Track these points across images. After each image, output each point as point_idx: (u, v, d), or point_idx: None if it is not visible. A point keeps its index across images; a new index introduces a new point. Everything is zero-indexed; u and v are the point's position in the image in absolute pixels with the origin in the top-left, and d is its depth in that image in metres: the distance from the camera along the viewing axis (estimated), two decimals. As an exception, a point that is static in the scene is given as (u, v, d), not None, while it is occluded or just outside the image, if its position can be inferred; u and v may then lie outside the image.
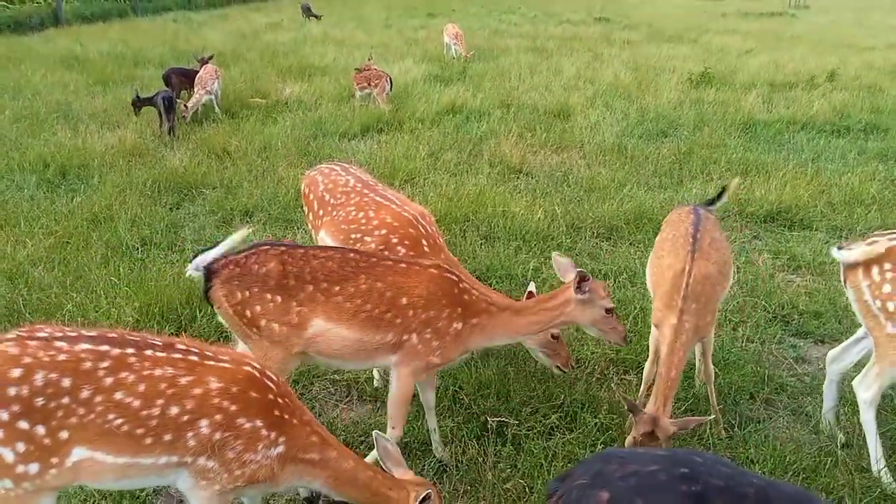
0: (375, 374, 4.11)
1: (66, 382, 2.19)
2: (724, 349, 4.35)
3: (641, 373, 3.95)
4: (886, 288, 3.24)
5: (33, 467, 2.18)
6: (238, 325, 3.09)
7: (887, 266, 3.26)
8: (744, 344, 4.51)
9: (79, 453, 2.23)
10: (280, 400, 2.50)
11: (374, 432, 2.86)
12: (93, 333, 2.34)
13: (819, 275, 5.44)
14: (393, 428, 3.26)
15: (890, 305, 3.24)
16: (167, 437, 2.29)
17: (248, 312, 3.04)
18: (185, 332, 4.43)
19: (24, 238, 5.59)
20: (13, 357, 2.18)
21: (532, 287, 3.78)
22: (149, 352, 2.34)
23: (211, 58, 10.72)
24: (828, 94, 11.31)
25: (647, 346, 3.92)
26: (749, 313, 4.86)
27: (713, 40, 18.87)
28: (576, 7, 30.58)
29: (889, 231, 3.42)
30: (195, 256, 3.15)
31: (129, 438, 2.25)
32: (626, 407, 3.19)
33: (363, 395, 4.06)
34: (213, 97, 9.80)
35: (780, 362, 4.41)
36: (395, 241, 3.67)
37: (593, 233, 6.12)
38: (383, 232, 3.71)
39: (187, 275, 3.18)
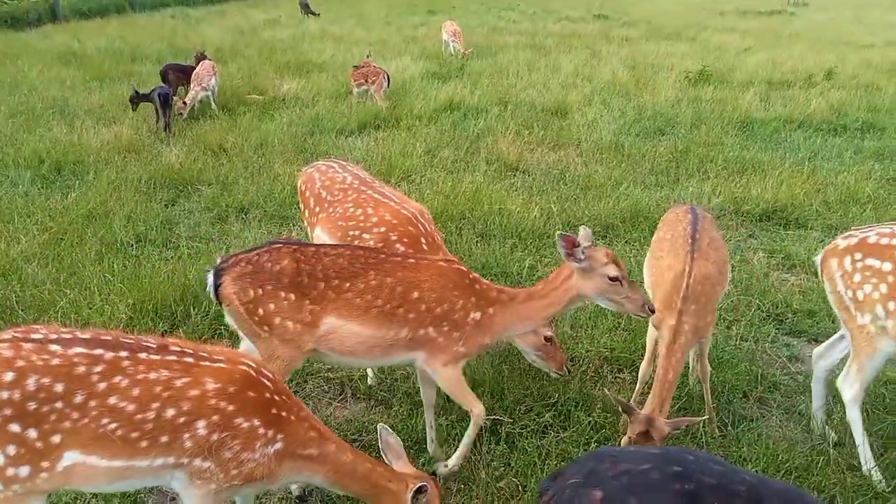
0: (370, 371, 4.11)
1: (59, 387, 2.18)
2: (718, 348, 4.35)
3: (636, 371, 3.95)
4: (857, 277, 3.29)
5: (24, 470, 2.18)
6: (248, 323, 3.05)
7: (858, 256, 3.30)
8: (737, 342, 4.51)
9: (71, 457, 2.22)
10: (277, 397, 2.50)
11: (379, 425, 2.88)
12: (87, 336, 2.33)
13: (813, 274, 5.42)
14: (471, 410, 3.25)
15: (860, 294, 3.28)
16: (163, 440, 2.29)
17: (260, 310, 3.01)
18: (179, 328, 4.43)
19: (18, 234, 5.57)
20: (7, 360, 2.17)
21: None
22: (143, 354, 2.33)
23: (204, 54, 10.69)
24: (825, 92, 11.30)
25: (642, 345, 3.93)
26: (743, 312, 4.86)
27: (711, 38, 18.86)
28: (575, 4, 30.52)
29: (868, 226, 3.45)
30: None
31: (123, 442, 2.24)
32: (619, 408, 3.18)
33: (357, 392, 4.06)
34: (209, 93, 9.78)
35: (773, 361, 4.41)
36: (394, 238, 3.66)
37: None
38: (382, 229, 3.69)
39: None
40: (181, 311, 4.58)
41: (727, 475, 2.01)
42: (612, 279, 3.09)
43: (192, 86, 9.58)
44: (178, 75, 10.13)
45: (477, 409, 3.23)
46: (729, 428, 3.74)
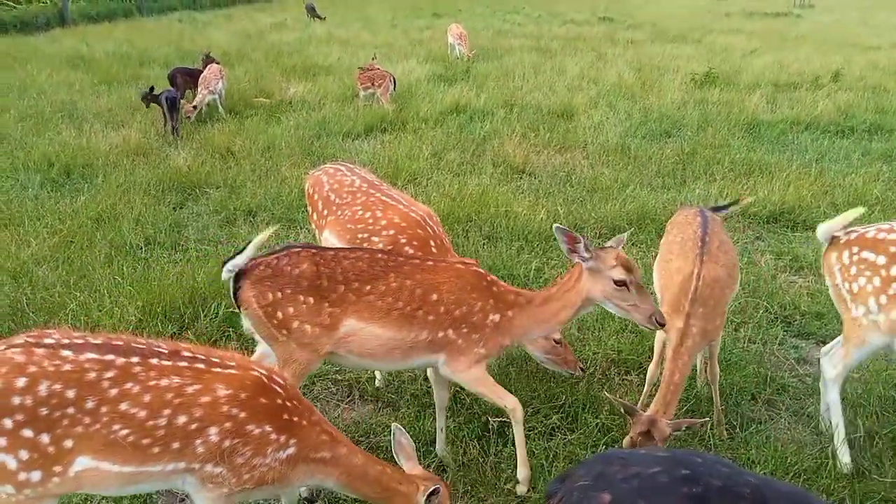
0: (377, 374, 4.12)
1: (71, 393, 2.20)
2: (727, 350, 4.35)
3: (643, 373, 3.95)
4: (853, 270, 3.34)
5: (36, 475, 2.19)
6: (266, 326, 3.04)
7: (855, 249, 3.34)
8: (746, 345, 4.51)
9: (83, 462, 2.23)
10: (288, 403, 2.51)
11: (393, 425, 2.89)
12: (99, 341, 2.35)
13: (821, 276, 5.42)
14: (505, 406, 3.22)
15: (855, 287, 3.33)
16: (175, 446, 2.30)
17: (279, 314, 3.00)
18: (188, 331, 4.46)
19: (29, 237, 5.61)
20: (19, 365, 2.19)
21: None
22: (154, 360, 2.34)
23: (211, 56, 10.75)
24: (832, 94, 11.28)
25: (650, 347, 3.93)
26: (751, 314, 4.86)
27: (717, 40, 18.84)
28: (580, 7, 30.54)
29: (872, 225, 3.47)
30: (227, 261, 3.08)
31: (135, 448, 2.26)
32: (622, 409, 3.17)
33: (364, 394, 4.07)
34: (216, 97, 9.82)
35: (781, 363, 4.40)
36: (403, 241, 3.66)
37: (596, 233, 6.12)
38: (391, 232, 3.69)
39: (223, 279, 3.11)
40: (190, 313, 4.60)
41: (732, 477, 2.02)
42: (618, 283, 3.01)
43: (199, 89, 9.63)
44: (186, 79, 10.19)
45: (510, 403, 3.21)
46: (737, 430, 3.73)
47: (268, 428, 2.42)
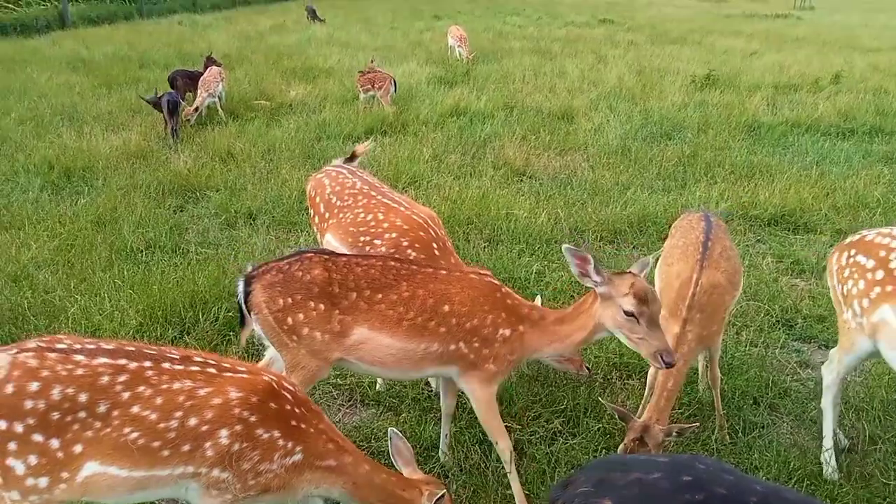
0: (379, 378, 4.10)
1: (83, 397, 2.20)
2: (728, 353, 4.34)
3: (645, 377, 3.94)
4: (846, 273, 3.32)
5: (43, 481, 2.18)
6: (276, 332, 3.01)
7: (853, 252, 3.32)
8: (747, 348, 4.50)
9: (91, 468, 2.23)
10: (297, 409, 2.51)
11: (390, 429, 2.88)
12: (111, 346, 2.35)
13: (823, 278, 5.41)
14: (497, 443, 3.18)
15: (845, 289, 3.32)
16: (185, 448, 2.29)
17: (289, 320, 2.97)
18: (189, 335, 4.45)
19: (29, 240, 5.60)
20: (32, 370, 2.19)
21: (538, 300, 3.70)
22: (166, 365, 2.35)
23: (213, 58, 10.74)
24: (833, 96, 11.28)
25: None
26: (752, 317, 4.85)
27: (717, 42, 18.85)
28: (580, 9, 30.57)
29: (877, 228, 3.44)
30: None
31: (145, 451, 2.25)
32: (616, 415, 3.15)
33: (366, 399, 4.06)
34: (216, 100, 9.81)
35: (783, 367, 4.39)
36: (405, 244, 3.64)
37: (597, 236, 6.11)
38: (393, 235, 3.67)
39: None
40: (190, 317, 4.59)
41: (738, 485, 1.99)
42: (627, 313, 2.86)
43: (199, 91, 9.62)
44: (186, 81, 10.17)
45: (502, 443, 3.16)
46: (739, 435, 3.72)
47: (276, 433, 2.42)
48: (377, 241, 3.69)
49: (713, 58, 15.67)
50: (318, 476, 2.55)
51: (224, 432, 2.32)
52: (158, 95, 8.78)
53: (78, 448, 2.19)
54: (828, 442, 3.49)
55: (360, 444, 3.65)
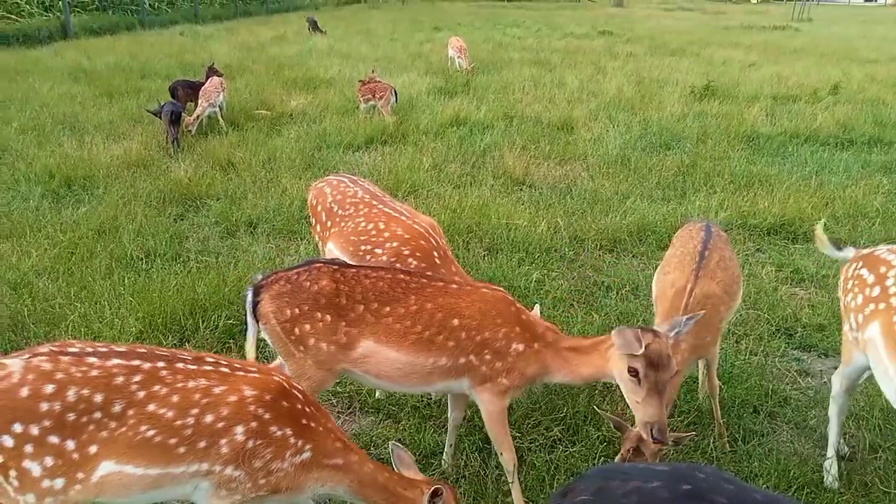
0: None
1: (99, 398, 2.21)
2: (728, 362, 4.34)
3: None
4: (849, 285, 3.31)
5: (59, 482, 2.19)
6: (283, 342, 3.00)
7: (859, 265, 3.31)
8: (747, 357, 4.50)
9: (107, 467, 2.24)
10: (307, 408, 2.55)
11: (391, 443, 2.88)
12: (123, 349, 2.37)
13: (822, 287, 5.43)
14: (501, 454, 3.15)
15: (846, 301, 3.31)
16: (201, 445, 2.31)
17: (296, 330, 2.96)
18: (189, 343, 4.45)
19: (29, 248, 5.61)
20: (46, 373, 2.20)
21: (536, 309, 3.65)
22: (180, 364, 2.38)
23: (215, 68, 10.80)
24: (831, 107, 11.34)
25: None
26: (752, 326, 4.86)
27: (716, 53, 18.95)
28: (579, 20, 30.76)
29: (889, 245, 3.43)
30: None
31: (161, 449, 2.27)
32: (612, 425, 3.14)
33: (365, 406, 4.06)
34: (216, 110, 9.84)
35: (783, 375, 4.39)
36: (406, 253, 3.64)
37: (596, 245, 6.12)
38: (395, 244, 3.68)
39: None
40: (190, 324, 4.59)
41: (738, 494, 1.98)
42: (631, 371, 2.76)
43: (199, 101, 9.65)
44: (187, 91, 10.22)
45: (507, 455, 3.13)
46: (739, 443, 3.72)
47: (288, 431, 2.45)
48: (378, 251, 3.70)
49: (712, 69, 15.75)
50: (326, 474, 2.58)
51: (240, 429, 2.35)
52: (161, 105, 8.82)
53: (93, 448, 2.21)
54: (831, 450, 3.48)
55: (360, 451, 3.64)
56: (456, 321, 2.99)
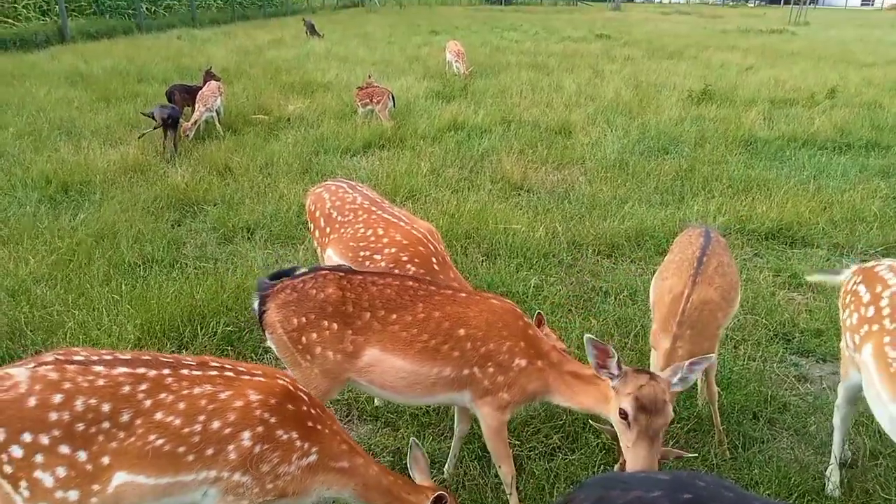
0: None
1: (107, 407, 2.21)
2: (726, 368, 4.33)
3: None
4: (847, 299, 3.30)
5: (73, 494, 2.17)
6: (290, 351, 2.97)
7: (858, 279, 3.28)
8: (745, 362, 4.49)
9: (120, 477, 2.23)
10: (313, 411, 2.55)
11: (411, 439, 2.88)
12: (127, 356, 2.37)
13: (820, 293, 5.43)
14: (500, 466, 3.12)
15: (844, 317, 3.29)
16: (209, 452, 2.31)
17: (303, 339, 2.93)
18: (187, 349, 4.43)
19: (27, 255, 5.59)
20: (53, 382, 2.19)
21: (548, 330, 3.58)
22: (185, 371, 2.37)
23: (212, 72, 10.79)
24: (828, 111, 11.36)
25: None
26: (750, 331, 4.85)
27: (713, 57, 18.99)
28: (577, 24, 30.82)
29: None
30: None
31: (171, 458, 2.26)
32: (608, 437, 3.12)
33: (364, 414, 4.04)
34: (213, 114, 9.83)
35: (782, 381, 4.38)
36: (404, 259, 3.64)
37: (594, 250, 6.12)
38: (393, 250, 3.67)
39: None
40: (188, 331, 4.58)
41: (738, 502, 1.99)
42: (621, 413, 2.64)
43: (197, 106, 9.64)
44: (184, 96, 10.20)
45: (506, 468, 3.10)
46: (739, 450, 3.71)
47: (294, 434, 2.44)
48: (377, 256, 3.69)
49: (709, 73, 15.79)
50: (332, 477, 2.58)
51: (247, 434, 2.34)
52: (167, 119, 8.78)
53: (106, 459, 2.20)
54: (833, 458, 3.47)
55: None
56: (462, 331, 2.94)
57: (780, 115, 11.20)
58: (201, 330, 4.56)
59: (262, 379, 2.47)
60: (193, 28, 25.62)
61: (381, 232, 3.78)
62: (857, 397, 3.33)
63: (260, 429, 2.37)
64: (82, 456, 2.17)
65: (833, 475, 3.42)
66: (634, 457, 2.60)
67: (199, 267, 5.60)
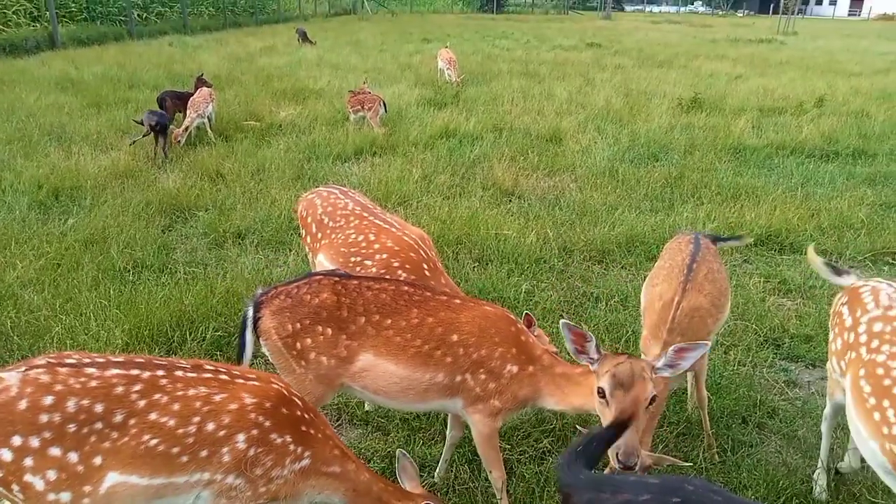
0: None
1: (99, 408, 2.20)
2: (716, 373, 4.35)
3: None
4: (833, 319, 3.24)
5: (65, 496, 2.16)
6: (285, 357, 2.96)
7: (845, 299, 3.22)
8: (735, 367, 4.51)
9: (112, 478, 2.21)
10: (306, 415, 2.55)
11: (398, 451, 2.88)
12: (120, 359, 2.36)
13: (809, 298, 5.47)
14: (491, 472, 3.12)
15: (831, 338, 3.22)
16: (203, 454, 2.30)
17: (298, 345, 2.92)
18: (176, 354, 4.40)
19: (15, 260, 5.55)
20: (45, 384, 2.18)
21: (540, 333, 3.58)
22: (179, 373, 2.37)
23: (203, 78, 10.78)
24: (816, 119, 11.47)
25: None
26: (740, 337, 4.88)
27: (703, 66, 19.15)
28: (567, 33, 30.99)
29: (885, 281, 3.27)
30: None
31: (164, 458, 2.26)
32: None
33: (354, 418, 4.04)
34: (204, 121, 9.82)
35: (771, 386, 4.41)
36: (396, 264, 3.64)
37: (585, 256, 6.14)
38: (384, 256, 3.68)
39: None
40: (177, 336, 4.55)
41: None
42: (599, 392, 2.67)
43: (188, 112, 9.63)
44: (176, 102, 10.19)
45: (496, 473, 3.10)
46: (728, 454, 3.72)
47: (288, 438, 2.44)
48: (368, 262, 3.69)
49: (699, 81, 15.91)
50: (323, 482, 2.57)
51: (241, 437, 2.34)
52: (143, 118, 8.77)
53: (98, 460, 2.18)
54: (821, 463, 3.49)
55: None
56: (455, 336, 2.93)
57: (769, 124, 11.30)
58: (190, 335, 4.54)
59: (256, 383, 2.47)
60: (185, 35, 25.62)
61: (372, 238, 3.78)
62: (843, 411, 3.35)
63: (255, 432, 2.36)
64: (73, 457, 2.15)
65: (820, 479, 3.44)
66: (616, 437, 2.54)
67: (188, 272, 5.58)
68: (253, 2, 37.06)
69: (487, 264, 5.86)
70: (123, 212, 6.77)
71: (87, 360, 2.30)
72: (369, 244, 3.75)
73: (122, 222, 6.49)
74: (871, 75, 17.85)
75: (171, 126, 9.16)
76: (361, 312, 2.94)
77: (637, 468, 2.89)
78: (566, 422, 3.88)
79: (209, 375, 2.41)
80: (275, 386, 2.50)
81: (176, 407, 2.28)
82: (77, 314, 4.75)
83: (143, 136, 8.81)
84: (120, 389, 2.24)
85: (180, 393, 2.31)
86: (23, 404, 2.14)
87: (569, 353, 2.81)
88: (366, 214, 3.96)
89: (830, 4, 77.01)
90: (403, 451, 2.89)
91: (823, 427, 3.50)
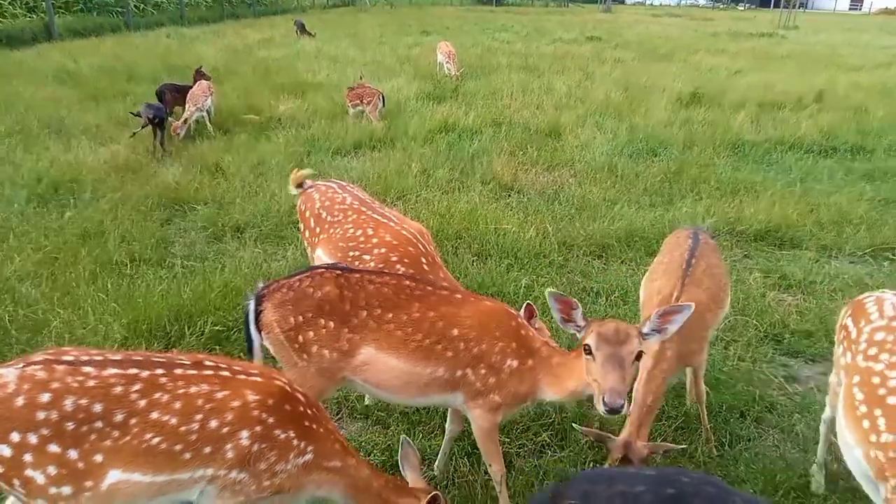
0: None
1: (98, 407, 2.21)
2: (716, 368, 4.36)
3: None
4: (841, 335, 3.15)
5: (66, 489, 2.19)
6: (287, 350, 2.96)
7: (849, 312, 3.17)
8: (735, 363, 4.52)
9: (115, 475, 2.23)
10: (309, 411, 2.56)
11: (402, 437, 2.90)
12: (118, 357, 2.36)
13: (810, 294, 5.48)
14: (491, 465, 3.13)
15: (837, 352, 3.16)
16: (207, 450, 2.32)
17: (300, 338, 2.92)
18: (174, 348, 4.40)
19: (13, 253, 5.54)
20: (42, 382, 2.20)
21: (539, 323, 3.54)
22: (179, 370, 2.37)
23: (203, 71, 10.74)
24: (815, 114, 11.46)
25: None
26: (740, 332, 4.88)
27: (703, 60, 19.10)
28: (568, 26, 30.91)
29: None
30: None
31: (168, 456, 2.27)
32: (593, 439, 3.12)
33: (354, 412, 4.04)
34: (204, 114, 9.79)
35: (770, 381, 4.42)
36: (394, 259, 3.64)
37: (585, 251, 6.14)
38: (382, 250, 3.67)
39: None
40: (176, 330, 4.55)
41: (720, 497, 2.01)
42: (586, 349, 2.65)
43: (187, 106, 9.60)
44: (175, 95, 10.15)
45: (496, 467, 3.11)
46: (726, 448, 3.74)
47: (291, 433, 2.46)
48: (366, 257, 3.69)
49: (699, 75, 15.89)
50: (324, 477, 2.59)
51: (245, 433, 2.36)
52: (140, 110, 8.74)
53: (98, 457, 2.20)
54: (819, 458, 3.50)
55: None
56: (455, 331, 2.93)
57: (768, 119, 11.29)
58: (188, 329, 4.54)
59: (258, 379, 2.47)
60: (182, 26, 25.50)
61: (370, 232, 3.78)
62: None
63: (258, 428, 2.38)
64: (73, 454, 2.17)
65: (817, 473, 3.46)
66: (602, 381, 2.55)
67: (187, 266, 5.58)
68: (251, -7, 36.89)
69: (487, 259, 5.86)
70: (122, 205, 6.75)
71: (85, 358, 2.31)
72: (367, 238, 3.75)
73: (120, 216, 6.47)
74: (871, 70, 17.82)
75: (169, 119, 9.13)
76: (363, 306, 2.95)
77: (635, 460, 2.91)
78: (565, 415, 3.90)
79: (210, 372, 2.41)
80: (277, 382, 2.51)
81: (178, 405, 2.29)
82: (75, 308, 4.74)
83: (142, 127, 8.78)
84: (119, 389, 2.25)
85: (181, 391, 2.32)
86: (20, 401, 2.15)
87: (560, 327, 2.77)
88: (364, 209, 3.96)
89: (831, -2, 76.75)
90: (407, 439, 2.90)
91: (822, 427, 3.51)
